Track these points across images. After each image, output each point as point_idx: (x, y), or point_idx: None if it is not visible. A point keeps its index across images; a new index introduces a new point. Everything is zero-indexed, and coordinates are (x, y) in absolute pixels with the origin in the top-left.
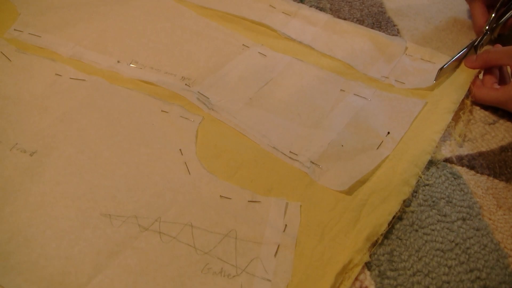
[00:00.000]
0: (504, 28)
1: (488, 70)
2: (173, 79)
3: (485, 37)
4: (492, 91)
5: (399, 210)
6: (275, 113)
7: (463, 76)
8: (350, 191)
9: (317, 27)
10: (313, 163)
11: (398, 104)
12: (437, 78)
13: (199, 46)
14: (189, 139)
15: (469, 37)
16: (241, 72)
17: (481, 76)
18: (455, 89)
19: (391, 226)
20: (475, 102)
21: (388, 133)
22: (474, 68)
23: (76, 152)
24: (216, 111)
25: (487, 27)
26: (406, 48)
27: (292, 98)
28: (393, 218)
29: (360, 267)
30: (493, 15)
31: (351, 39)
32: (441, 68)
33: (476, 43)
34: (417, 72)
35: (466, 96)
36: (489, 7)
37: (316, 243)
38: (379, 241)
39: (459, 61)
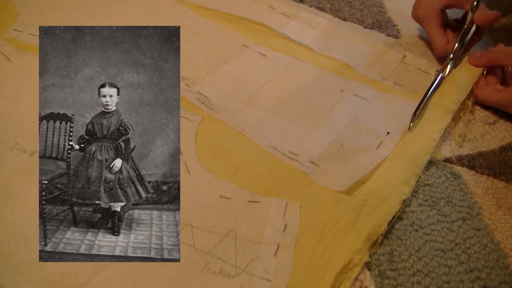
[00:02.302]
0: (464, 50)
1: (491, 69)
2: None
3: (449, 66)
4: (494, 93)
5: (399, 210)
6: (275, 113)
7: (466, 77)
8: (349, 191)
9: (316, 30)
10: (312, 163)
11: (397, 106)
12: (411, 126)
13: (199, 46)
14: (189, 139)
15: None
16: (241, 72)
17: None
18: (457, 89)
19: (391, 226)
20: (476, 102)
21: (388, 133)
22: (477, 66)
23: None
24: (216, 111)
25: (451, 56)
26: (404, 56)
27: (291, 98)
28: (393, 218)
29: (360, 267)
30: (456, 45)
31: (350, 43)
32: (415, 113)
33: (444, 74)
34: (414, 78)
35: (468, 97)
36: (444, 27)
37: (316, 243)
38: (379, 241)
39: (430, 96)
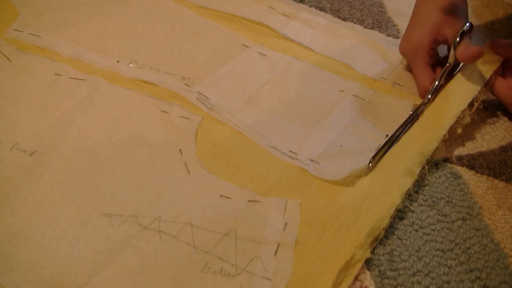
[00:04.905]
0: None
1: (507, 61)
2: (173, 79)
3: (426, 105)
4: (504, 89)
5: (399, 209)
6: (275, 113)
7: (486, 64)
8: (350, 183)
9: (316, 30)
10: (312, 161)
11: (396, 108)
12: (368, 171)
13: (198, 46)
14: (189, 139)
15: None
16: (241, 71)
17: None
18: (476, 77)
19: (391, 226)
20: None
21: (387, 136)
22: (497, 54)
23: (76, 152)
24: (216, 111)
25: (429, 96)
26: None
27: (291, 98)
28: (394, 214)
29: (361, 263)
30: (436, 83)
31: (350, 43)
32: (374, 157)
33: (418, 112)
34: None
35: (485, 85)
36: (433, 66)
37: (316, 241)
38: (381, 235)
39: (395, 138)
